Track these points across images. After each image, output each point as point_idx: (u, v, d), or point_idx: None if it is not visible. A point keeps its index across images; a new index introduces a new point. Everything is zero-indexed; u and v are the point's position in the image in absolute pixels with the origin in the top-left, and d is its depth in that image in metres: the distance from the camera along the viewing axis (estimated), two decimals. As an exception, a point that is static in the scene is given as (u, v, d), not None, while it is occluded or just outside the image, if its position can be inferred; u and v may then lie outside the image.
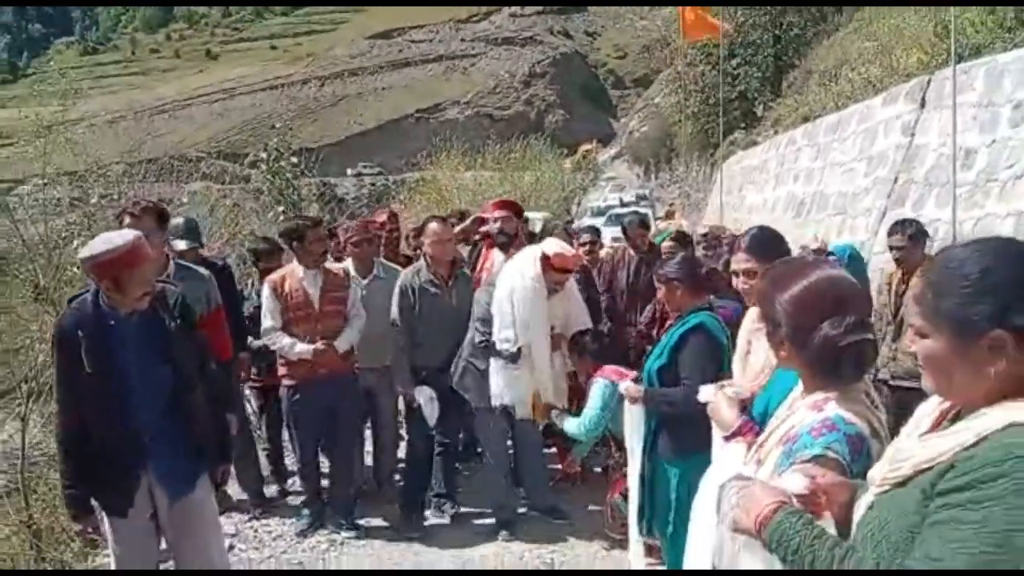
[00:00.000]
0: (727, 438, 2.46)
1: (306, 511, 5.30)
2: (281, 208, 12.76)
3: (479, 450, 5.83)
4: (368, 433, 5.92)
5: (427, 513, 5.31)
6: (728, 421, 2.48)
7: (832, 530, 1.60)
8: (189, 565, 3.45)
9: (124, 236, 3.19)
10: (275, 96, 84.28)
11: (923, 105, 8.89)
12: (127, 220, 4.09)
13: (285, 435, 5.78)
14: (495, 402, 4.83)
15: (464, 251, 6.28)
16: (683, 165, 33.66)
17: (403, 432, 5.85)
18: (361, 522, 5.24)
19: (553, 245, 4.81)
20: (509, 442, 5.30)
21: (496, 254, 5.57)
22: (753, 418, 2.43)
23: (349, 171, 59.82)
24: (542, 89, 79.34)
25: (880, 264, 8.21)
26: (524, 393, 4.74)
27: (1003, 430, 1.32)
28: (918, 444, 1.47)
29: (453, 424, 5.30)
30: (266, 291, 5.04)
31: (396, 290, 5.11)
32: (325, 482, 5.40)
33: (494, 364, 4.80)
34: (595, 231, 7.38)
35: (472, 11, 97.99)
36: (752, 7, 24.76)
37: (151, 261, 3.31)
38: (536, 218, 16.75)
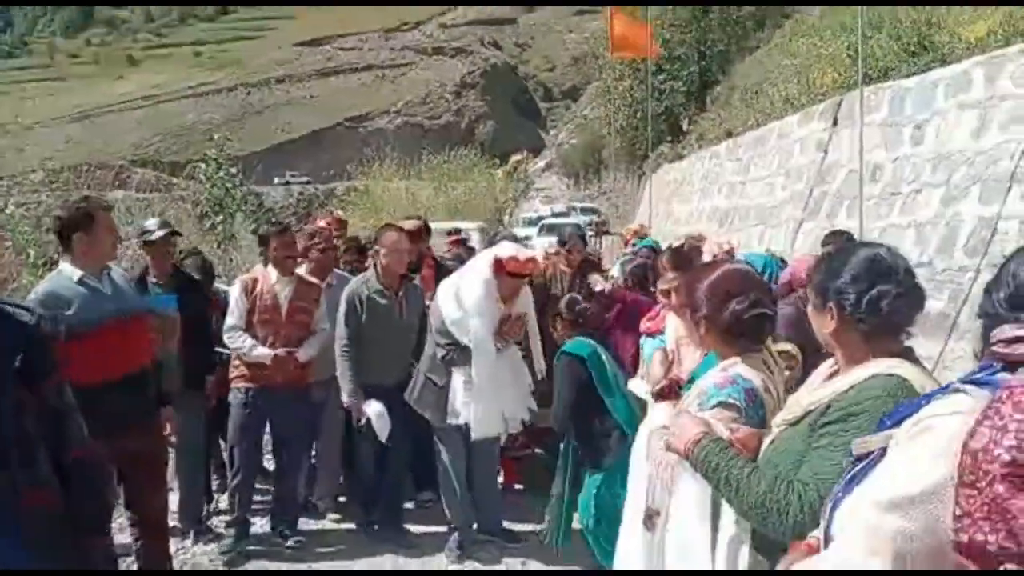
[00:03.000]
0: (655, 396, 3.06)
1: (231, 530, 5.04)
2: (220, 219, 12.75)
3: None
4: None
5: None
6: (656, 375, 3.06)
7: None
8: None
9: None
10: (199, 103, 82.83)
11: (835, 124, 9.56)
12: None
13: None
14: (452, 420, 4.59)
15: None
16: (611, 177, 34.44)
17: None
18: (305, 529, 5.20)
19: (507, 248, 4.56)
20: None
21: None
22: (679, 387, 2.96)
23: (276, 180, 58.98)
24: (472, 100, 79.80)
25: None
26: (489, 410, 4.52)
27: (866, 380, 1.82)
28: (810, 393, 1.99)
29: (401, 444, 4.99)
30: (236, 289, 4.94)
31: (343, 301, 4.85)
32: (258, 497, 5.33)
33: (456, 380, 4.56)
34: (581, 237, 6.76)
35: (402, 20, 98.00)
36: (678, 24, 25.62)
37: None
38: (471, 228, 16.98)
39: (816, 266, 2.06)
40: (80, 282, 3.69)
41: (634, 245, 8.23)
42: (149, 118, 79.97)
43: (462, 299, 4.49)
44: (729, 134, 15.85)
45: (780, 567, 1.76)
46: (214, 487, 5.82)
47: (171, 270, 5.10)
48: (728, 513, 2.10)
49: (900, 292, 1.85)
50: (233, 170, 14.30)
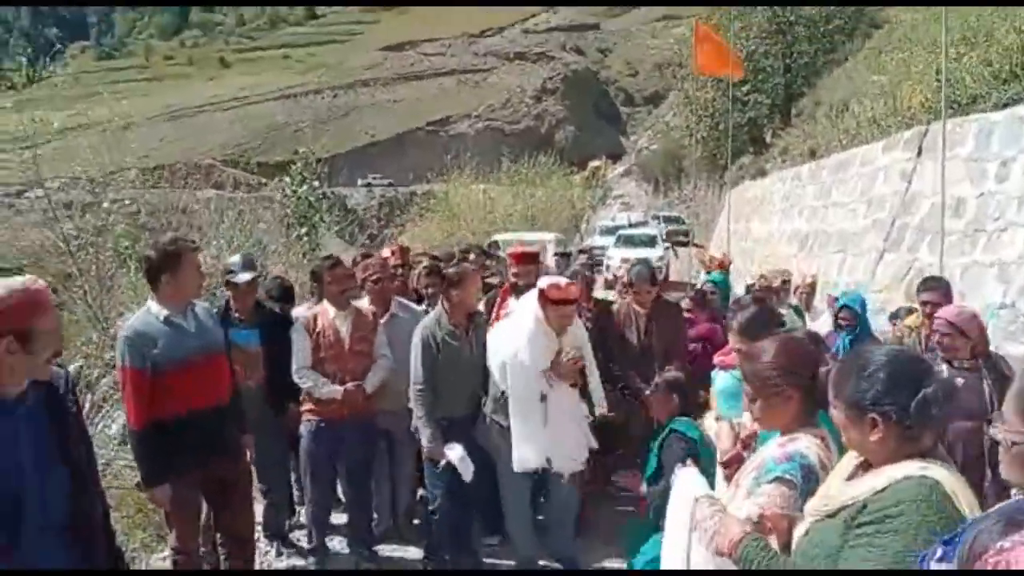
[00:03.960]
0: (723, 464, 3.14)
1: (311, 558, 5.19)
2: (304, 230, 13.13)
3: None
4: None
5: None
6: (724, 447, 3.15)
7: (776, 547, 2.23)
8: None
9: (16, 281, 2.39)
10: (287, 105, 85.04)
11: (920, 154, 9.37)
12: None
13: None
14: (518, 467, 4.62)
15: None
16: (692, 185, 34.08)
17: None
18: (381, 554, 5.31)
19: (546, 279, 4.71)
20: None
21: (513, 301, 5.52)
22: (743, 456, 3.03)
23: (359, 181, 60.20)
24: (553, 105, 79.83)
25: (876, 303, 8.67)
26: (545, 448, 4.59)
27: (900, 481, 1.87)
28: (843, 486, 2.03)
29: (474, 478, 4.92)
30: (297, 329, 4.99)
31: (417, 343, 4.82)
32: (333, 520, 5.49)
33: (517, 428, 4.60)
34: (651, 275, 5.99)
35: (485, 25, 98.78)
36: (764, 35, 25.20)
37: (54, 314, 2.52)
38: (547, 239, 16.82)
39: (840, 377, 2.05)
40: (166, 321, 3.92)
41: (707, 275, 8.10)
42: (240, 119, 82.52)
43: (515, 337, 4.58)
44: (813, 153, 15.60)
45: None
46: (296, 500, 6.00)
47: (253, 306, 5.23)
48: None
49: (945, 391, 1.91)
50: (316, 183, 14.68)
